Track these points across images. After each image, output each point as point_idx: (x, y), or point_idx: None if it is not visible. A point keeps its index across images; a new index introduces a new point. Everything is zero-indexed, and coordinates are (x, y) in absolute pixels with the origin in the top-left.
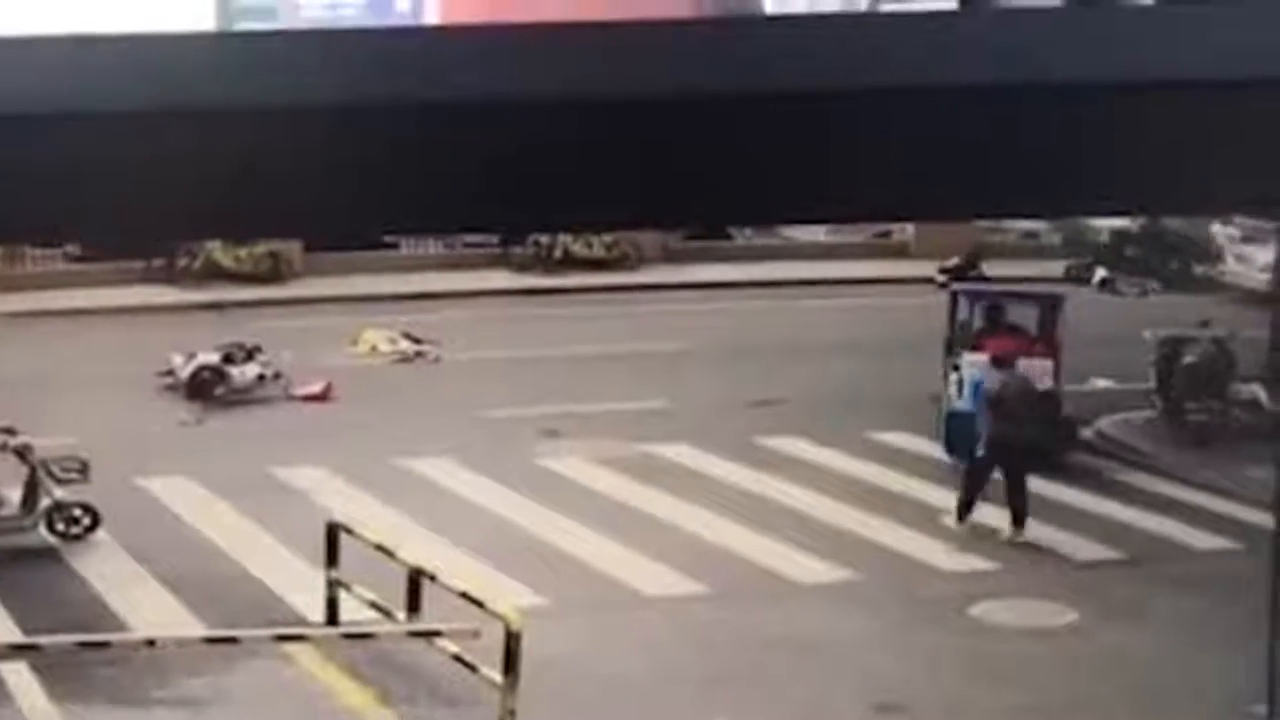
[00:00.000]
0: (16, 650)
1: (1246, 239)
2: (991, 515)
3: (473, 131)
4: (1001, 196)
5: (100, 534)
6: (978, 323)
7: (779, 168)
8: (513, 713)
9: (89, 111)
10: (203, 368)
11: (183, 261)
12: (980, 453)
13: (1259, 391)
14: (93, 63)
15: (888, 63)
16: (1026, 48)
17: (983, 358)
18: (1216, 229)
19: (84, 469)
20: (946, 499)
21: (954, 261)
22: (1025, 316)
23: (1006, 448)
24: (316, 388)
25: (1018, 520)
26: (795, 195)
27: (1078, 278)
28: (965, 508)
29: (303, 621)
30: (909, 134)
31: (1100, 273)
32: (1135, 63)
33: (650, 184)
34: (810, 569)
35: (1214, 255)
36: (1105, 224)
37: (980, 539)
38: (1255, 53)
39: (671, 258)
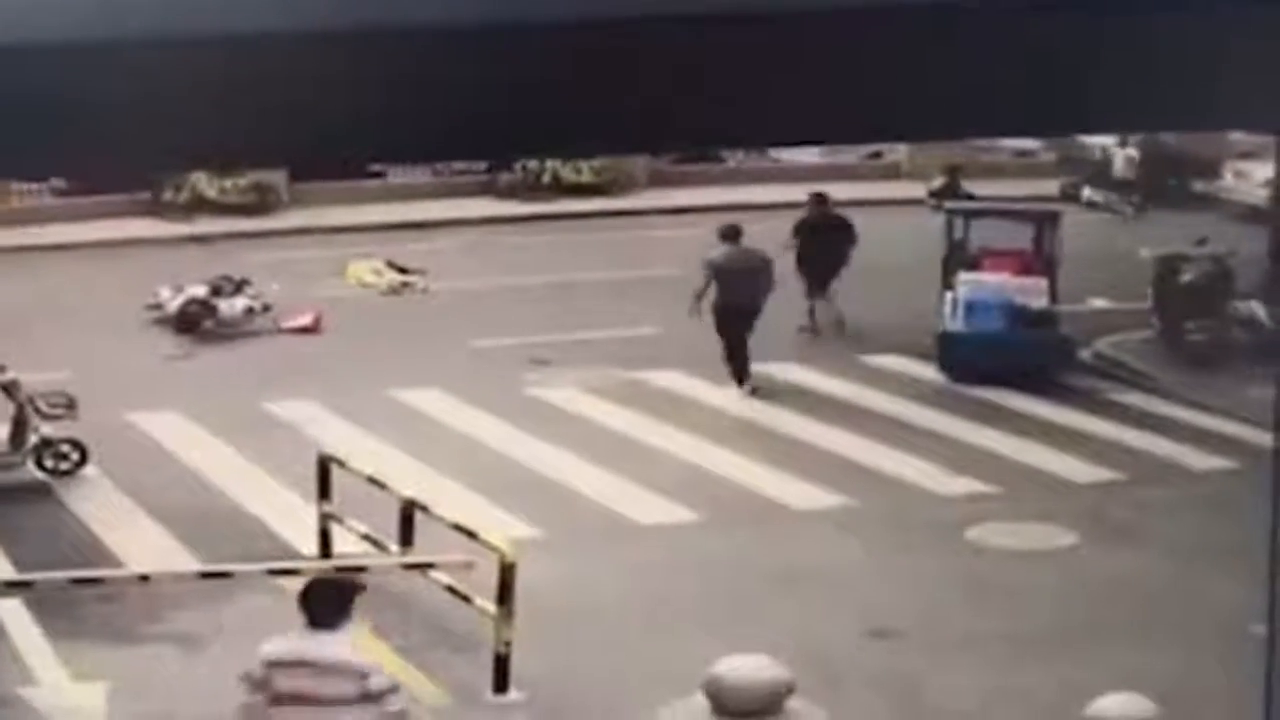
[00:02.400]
0: (10, 587)
1: (1245, 155)
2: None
3: (459, 57)
4: (992, 115)
5: (91, 470)
6: (973, 242)
7: (767, 88)
8: (508, 644)
9: (72, 42)
10: (191, 301)
11: (168, 194)
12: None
13: (1258, 309)
14: None
15: None
16: None
17: (978, 277)
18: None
19: (72, 404)
20: (938, 421)
21: (938, 183)
22: (1020, 235)
23: (730, 313)
24: (306, 320)
25: (740, 379)
26: (785, 116)
27: (1073, 196)
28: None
29: (296, 555)
30: (897, 52)
31: (1094, 191)
32: None
33: (637, 107)
34: (804, 494)
35: (1210, 171)
36: (1100, 141)
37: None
38: None
39: (660, 181)
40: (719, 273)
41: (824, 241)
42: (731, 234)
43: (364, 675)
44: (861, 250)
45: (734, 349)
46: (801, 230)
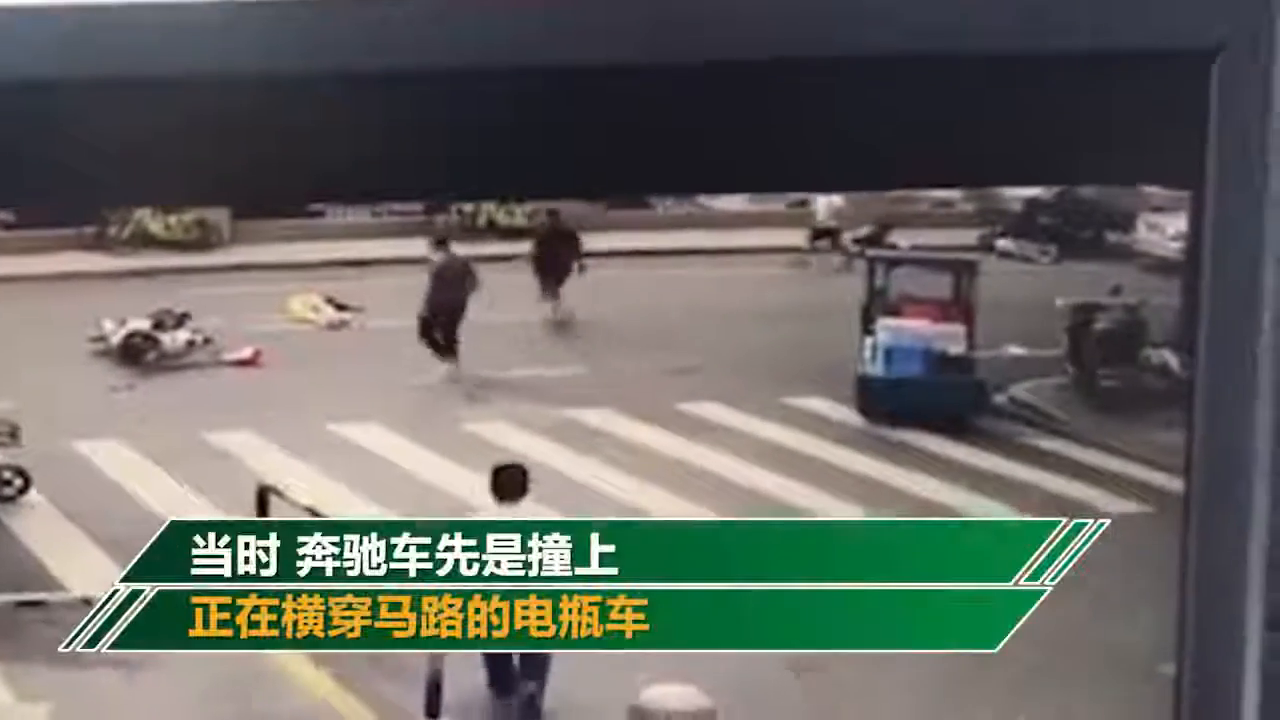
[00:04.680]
0: None
1: (1157, 209)
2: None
3: (402, 101)
4: (915, 167)
5: (35, 496)
6: (893, 289)
7: (707, 137)
8: (439, 670)
9: (25, 79)
10: (134, 334)
11: (113, 229)
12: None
13: (1170, 357)
14: (32, 29)
15: (818, 33)
16: (947, 19)
17: (898, 323)
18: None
19: (14, 432)
20: (856, 461)
21: (865, 231)
22: (939, 283)
23: (433, 308)
24: (246, 354)
25: (436, 351)
26: (722, 165)
27: (991, 246)
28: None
29: None
30: (831, 105)
31: (1013, 240)
32: (1041, 31)
33: (579, 154)
34: None
35: (1125, 223)
36: (1019, 193)
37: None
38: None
39: (590, 226)
40: (433, 275)
41: (555, 249)
42: (441, 242)
43: None
44: (783, 294)
45: (425, 332)
46: (539, 240)
